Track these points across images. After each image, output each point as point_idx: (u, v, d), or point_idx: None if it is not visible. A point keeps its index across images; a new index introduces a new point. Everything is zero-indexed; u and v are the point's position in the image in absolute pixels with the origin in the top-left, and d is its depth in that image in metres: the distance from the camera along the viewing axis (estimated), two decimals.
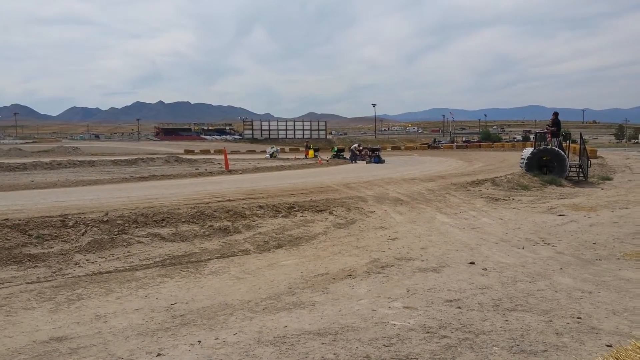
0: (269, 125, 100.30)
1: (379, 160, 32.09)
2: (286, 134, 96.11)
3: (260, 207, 10.16)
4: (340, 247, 8.07)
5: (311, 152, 42.08)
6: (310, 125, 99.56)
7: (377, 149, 36.04)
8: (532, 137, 57.82)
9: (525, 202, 12.93)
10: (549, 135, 19.02)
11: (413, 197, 12.94)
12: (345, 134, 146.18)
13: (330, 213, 10.45)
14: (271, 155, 41.64)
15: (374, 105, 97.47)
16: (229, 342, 4.18)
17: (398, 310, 4.97)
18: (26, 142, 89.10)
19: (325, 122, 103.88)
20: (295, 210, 10.30)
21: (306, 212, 10.37)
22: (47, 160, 30.07)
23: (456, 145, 64.89)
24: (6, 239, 7.11)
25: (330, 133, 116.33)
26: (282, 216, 9.83)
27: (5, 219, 8.01)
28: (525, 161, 18.14)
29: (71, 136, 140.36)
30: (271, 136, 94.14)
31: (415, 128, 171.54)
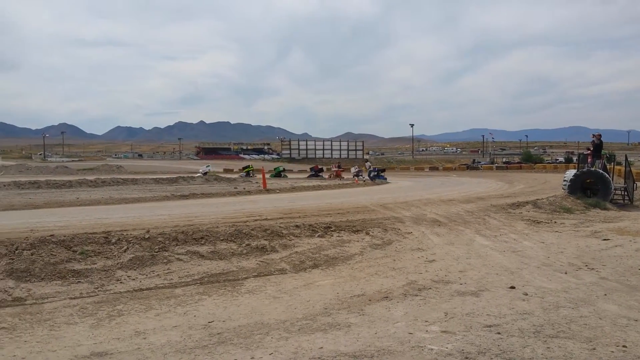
0: (306, 144, 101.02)
1: (380, 177, 33.98)
2: (323, 154, 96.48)
3: (297, 226, 10.22)
4: (377, 268, 8.01)
5: (340, 172, 41.98)
6: (348, 145, 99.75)
7: (382, 170, 37.56)
8: (574, 158, 56.32)
9: (568, 225, 12.56)
10: (590, 157, 18.53)
11: (451, 219, 12.77)
12: (382, 154, 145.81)
13: (367, 233, 10.41)
14: (205, 175, 36.98)
15: (412, 125, 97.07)
16: None
17: (435, 334, 4.89)
18: (72, 160, 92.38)
19: (363, 142, 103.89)
20: (332, 230, 10.31)
21: (342, 232, 10.36)
22: (92, 178, 31.04)
23: (496, 166, 63.80)
24: (52, 254, 7.35)
25: (368, 153, 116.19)
26: (319, 236, 9.85)
27: (51, 235, 8.31)
28: (568, 183, 17.68)
29: (115, 155, 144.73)
30: (308, 156, 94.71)
31: (454, 148, 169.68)
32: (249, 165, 42.98)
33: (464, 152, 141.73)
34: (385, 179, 34.37)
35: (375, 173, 33.99)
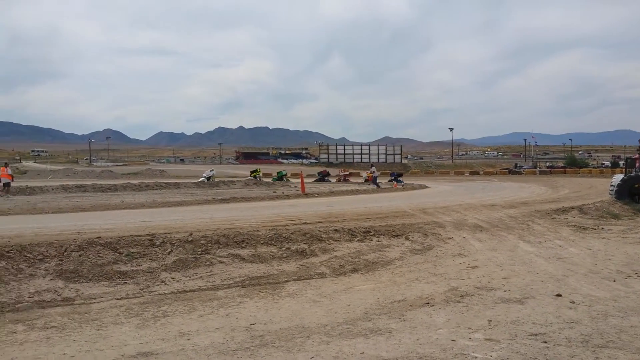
0: (344, 149, 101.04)
1: (400, 181, 35.31)
2: (361, 158, 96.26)
3: (336, 230, 10.22)
4: (417, 274, 7.93)
5: (347, 176, 41.77)
6: (386, 150, 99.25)
7: (400, 174, 39.61)
8: (622, 162, 54.35)
9: (616, 231, 12.13)
10: (638, 160, 17.85)
11: (493, 224, 12.52)
12: (421, 158, 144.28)
13: (407, 238, 10.32)
14: (208, 179, 36.46)
15: (451, 129, 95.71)
16: None
17: (479, 342, 4.80)
18: (117, 165, 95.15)
19: (401, 146, 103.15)
20: (371, 235, 10.26)
21: (382, 236, 10.30)
22: (136, 182, 31.90)
23: (539, 171, 62.21)
24: (99, 256, 7.58)
25: (406, 157, 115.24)
26: (358, 240, 9.82)
27: (98, 237, 8.57)
28: (615, 188, 17.09)
29: (158, 159, 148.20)
30: (346, 160, 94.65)
31: (495, 152, 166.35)
32: (256, 170, 42.58)
33: (505, 156, 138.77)
34: (403, 183, 35.17)
35: (393, 177, 33.90)
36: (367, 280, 7.59)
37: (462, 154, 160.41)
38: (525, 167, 72.02)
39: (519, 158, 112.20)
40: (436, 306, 6.16)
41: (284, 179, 39.40)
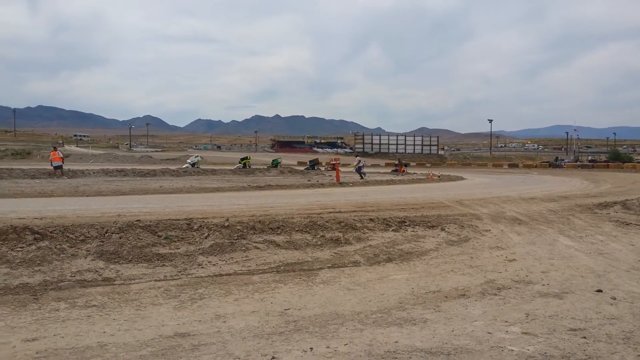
0: (379, 139, 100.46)
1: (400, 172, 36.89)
2: (397, 149, 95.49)
3: (371, 219, 10.18)
4: (453, 265, 7.84)
5: (402, 168, 41.23)
6: (422, 140, 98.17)
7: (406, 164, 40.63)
8: None
9: None
10: None
11: (532, 217, 12.25)
12: (458, 149, 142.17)
13: (442, 229, 10.20)
14: (193, 165, 36.38)
15: (490, 120, 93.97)
16: (340, 352, 4.23)
17: (516, 335, 4.72)
18: (156, 151, 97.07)
19: (437, 137, 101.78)
20: (406, 225, 10.18)
21: (417, 227, 10.21)
22: (174, 167, 32.49)
23: (581, 165, 60.48)
24: (139, 238, 7.77)
25: (443, 149, 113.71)
26: (393, 230, 9.77)
27: (137, 220, 8.78)
28: None
29: (195, 146, 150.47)
30: (382, 150, 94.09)
31: (535, 145, 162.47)
32: (246, 157, 42.34)
33: (545, 149, 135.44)
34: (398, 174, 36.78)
35: (360, 167, 33.25)
36: (402, 270, 7.55)
37: (501, 146, 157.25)
38: (566, 160, 70.06)
39: (560, 151, 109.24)
40: (472, 298, 6.08)
41: (279, 167, 38.95)
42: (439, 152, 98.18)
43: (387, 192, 20.65)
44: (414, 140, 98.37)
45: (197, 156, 41.76)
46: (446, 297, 6.12)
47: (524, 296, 6.16)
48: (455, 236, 9.85)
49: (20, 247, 6.99)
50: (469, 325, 5.03)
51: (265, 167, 38.21)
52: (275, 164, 39.74)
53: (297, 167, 40.62)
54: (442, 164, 72.42)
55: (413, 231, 9.90)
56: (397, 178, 31.04)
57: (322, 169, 39.72)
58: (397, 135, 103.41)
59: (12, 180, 22.20)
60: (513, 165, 65.16)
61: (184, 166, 35.84)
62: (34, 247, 7.00)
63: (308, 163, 42.11)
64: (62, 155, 27.60)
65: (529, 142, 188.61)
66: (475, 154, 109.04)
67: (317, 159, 45.12)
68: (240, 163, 38.81)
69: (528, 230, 10.78)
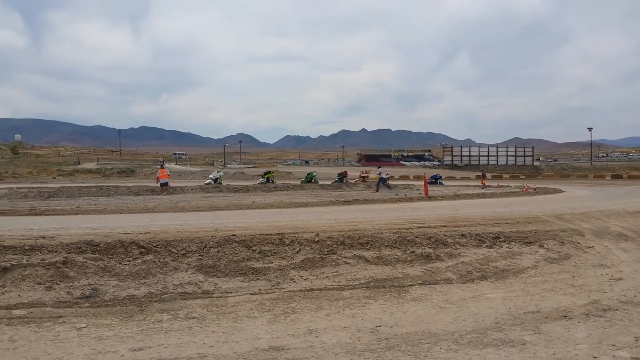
0: (469, 151, 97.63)
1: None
2: (488, 160, 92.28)
3: (462, 235, 9.91)
4: (553, 284, 7.43)
5: (483, 180, 39.41)
6: (515, 151, 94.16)
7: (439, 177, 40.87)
8: None
9: None
10: None
11: None
12: (555, 160, 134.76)
13: (541, 246, 9.71)
14: (215, 181, 35.36)
15: (590, 129, 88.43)
16: None
17: None
18: (248, 167, 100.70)
19: (532, 147, 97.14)
20: (501, 241, 9.80)
21: (513, 243, 9.80)
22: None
23: None
24: (234, 252, 8.09)
25: (538, 159, 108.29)
26: (487, 246, 9.44)
27: (233, 235, 9.15)
28: None
29: (285, 162, 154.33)
30: (472, 162, 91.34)
31: None
32: (270, 171, 41.21)
33: None
34: (442, 183, 36.83)
35: (385, 178, 31.52)
36: (497, 288, 7.27)
37: (602, 156, 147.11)
38: None
39: None
40: (575, 319, 5.73)
41: (313, 180, 37.93)
42: (534, 163, 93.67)
43: (479, 206, 19.99)
44: (507, 151, 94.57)
45: (220, 172, 41.41)
46: (546, 318, 5.82)
47: (632, 318, 5.71)
48: (555, 253, 9.34)
49: (127, 261, 7.51)
50: (572, 348, 4.75)
51: (300, 182, 37.44)
52: (309, 178, 38.61)
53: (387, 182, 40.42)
54: (537, 176, 68.86)
55: (508, 247, 9.51)
56: (489, 191, 29.96)
57: (352, 182, 38.28)
58: (488, 147, 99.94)
59: (118, 197, 23.97)
60: (616, 176, 60.67)
61: (206, 182, 35.71)
62: (139, 260, 7.50)
63: (337, 177, 40.69)
64: (169, 173, 29.45)
65: (633, 151, 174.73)
66: (574, 164, 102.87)
67: (345, 171, 43.51)
68: (263, 177, 38.03)
69: (636, 247, 10.00)
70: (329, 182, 36.92)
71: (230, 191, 27.76)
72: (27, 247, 7.83)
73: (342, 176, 39.30)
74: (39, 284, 6.65)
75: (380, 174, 31.54)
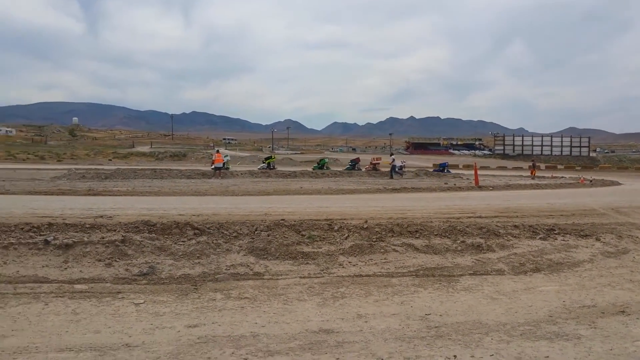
0: (522, 140, 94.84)
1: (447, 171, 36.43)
2: (541, 150, 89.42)
3: (515, 226, 9.69)
4: (610, 279, 7.18)
5: (533, 171, 37.94)
6: (571, 141, 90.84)
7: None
8: None
9: None
10: None
11: None
12: (613, 151, 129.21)
13: (597, 239, 9.38)
14: (222, 165, 34.42)
15: None
16: None
17: None
18: (295, 153, 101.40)
19: (589, 137, 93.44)
20: (556, 233, 9.53)
21: (568, 235, 9.51)
22: (311, 169, 33.67)
23: None
24: (284, 236, 8.21)
25: (594, 150, 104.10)
26: (540, 238, 9.20)
27: (282, 219, 9.28)
28: None
29: (332, 148, 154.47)
30: (524, 152, 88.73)
31: None
32: (270, 156, 40.36)
33: None
34: (450, 172, 36.37)
35: (399, 166, 30.52)
36: (551, 281, 7.09)
37: None
38: None
39: None
40: (633, 315, 5.53)
41: (325, 167, 37.02)
42: (590, 154, 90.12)
43: (532, 197, 19.46)
44: (562, 141, 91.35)
45: (227, 156, 40.05)
46: (603, 313, 5.64)
47: None
48: (613, 247, 9.01)
49: (182, 241, 7.76)
50: (630, 344, 4.60)
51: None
52: (321, 164, 37.95)
53: (432, 170, 39.85)
54: (593, 167, 66.30)
55: (563, 240, 9.24)
56: (543, 182, 29.08)
57: (363, 169, 37.24)
58: (541, 136, 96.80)
59: (171, 179, 24.68)
60: None
61: (212, 167, 35.91)
62: (194, 241, 7.73)
63: (349, 163, 39.38)
64: (224, 158, 30.13)
65: None
66: (633, 156, 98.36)
67: (358, 158, 42.37)
68: (264, 163, 37.70)
69: None
70: (341, 169, 36.56)
71: (279, 176, 28.08)
72: (87, 226, 8.20)
73: (355, 163, 38.58)
74: (99, 260, 6.97)
75: (393, 161, 32.19)
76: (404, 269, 7.36)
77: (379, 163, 39.05)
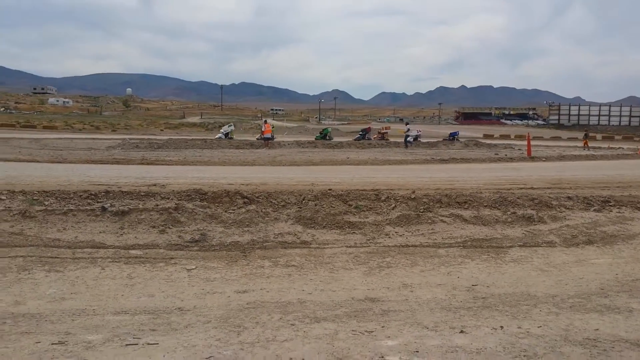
0: (578, 109, 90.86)
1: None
2: (599, 120, 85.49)
3: (568, 198, 9.41)
4: None
5: (586, 142, 36.21)
6: (630, 111, 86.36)
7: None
8: None
9: None
10: None
11: None
12: None
13: None
14: (226, 136, 34.60)
15: None
16: (533, 334, 4.09)
17: None
18: (342, 123, 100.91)
19: None
20: (611, 205, 9.21)
21: (624, 207, 9.17)
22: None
23: None
24: (331, 206, 8.28)
25: None
26: (594, 210, 8.91)
27: (329, 189, 9.36)
28: None
29: (379, 119, 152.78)
30: (581, 122, 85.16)
31: None
32: (326, 128, 39.48)
33: None
34: (460, 140, 34.61)
35: (413, 135, 29.91)
36: (604, 253, 6.90)
37: None
38: None
39: None
40: None
41: (328, 137, 36.02)
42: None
43: (586, 168, 18.78)
44: (620, 111, 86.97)
45: (231, 125, 40.43)
46: None
47: None
48: None
49: (232, 210, 7.96)
50: None
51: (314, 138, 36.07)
52: (324, 134, 37.03)
53: (483, 141, 38.87)
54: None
55: (619, 212, 8.92)
56: (599, 153, 27.95)
57: (372, 137, 36.33)
58: (599, 105, 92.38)
59: (220, 149, 25.16)
60: None
61: (216, 136, 35.38)
62: (243, 210, 7.93)
63: (359, 133, 38.74)
64: (273, 128, 30.59)
65: None
66: None
67: (368, 127, 41.69)
68: (320, 134, 37.14)
69: None
70: (350, 139, 35.99)
71: (325, 147, 28.13)
72: (142, 193, 8.52)
73: (365, 132, 38.13)
74: (153, 227, 7.26)
75: (408, 130, 31.75)
76: (451, 240, 7.32)
77: (387, 132, 38.72)
